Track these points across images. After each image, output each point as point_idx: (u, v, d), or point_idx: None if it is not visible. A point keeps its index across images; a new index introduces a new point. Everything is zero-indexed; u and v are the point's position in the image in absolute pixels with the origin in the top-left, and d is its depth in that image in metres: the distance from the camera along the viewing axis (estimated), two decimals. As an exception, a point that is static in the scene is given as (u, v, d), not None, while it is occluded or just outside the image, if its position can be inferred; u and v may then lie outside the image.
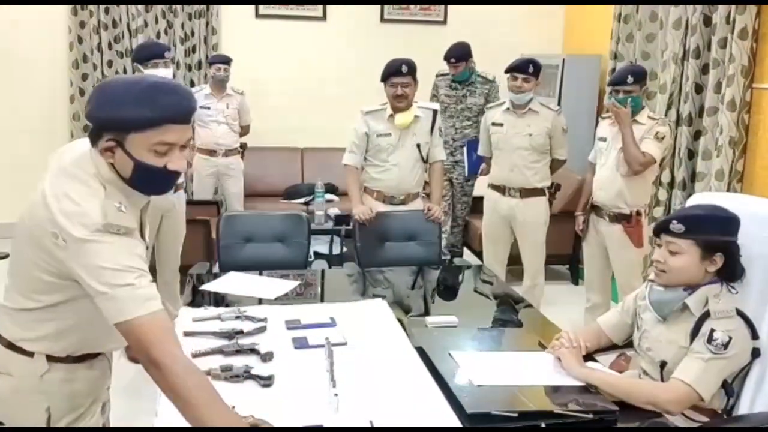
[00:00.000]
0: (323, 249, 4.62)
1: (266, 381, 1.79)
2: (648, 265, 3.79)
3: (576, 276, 4.90)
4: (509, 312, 2.61)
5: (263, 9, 5.75)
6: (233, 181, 5.20)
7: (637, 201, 3.44)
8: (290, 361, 1.94)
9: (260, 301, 2.44)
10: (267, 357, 1.93)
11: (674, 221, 1.84)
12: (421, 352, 1.97)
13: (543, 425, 1.58)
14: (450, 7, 5.98)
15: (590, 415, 1.62)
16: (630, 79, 3.37)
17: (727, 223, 1.80)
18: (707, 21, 4.20)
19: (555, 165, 3.85)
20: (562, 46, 6.11)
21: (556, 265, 5.01)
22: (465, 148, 4.76)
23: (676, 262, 1.83)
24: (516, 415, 1.60)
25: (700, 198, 2.12)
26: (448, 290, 3.02)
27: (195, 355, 1.92)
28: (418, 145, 3.58)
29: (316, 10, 5.81)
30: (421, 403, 1.68)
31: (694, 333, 1.76)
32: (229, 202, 5.20)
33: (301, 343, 2.05)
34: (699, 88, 4.30)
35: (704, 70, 4.26)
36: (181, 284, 3.65)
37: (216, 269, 3.12)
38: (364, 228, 3.42)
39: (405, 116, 3.53)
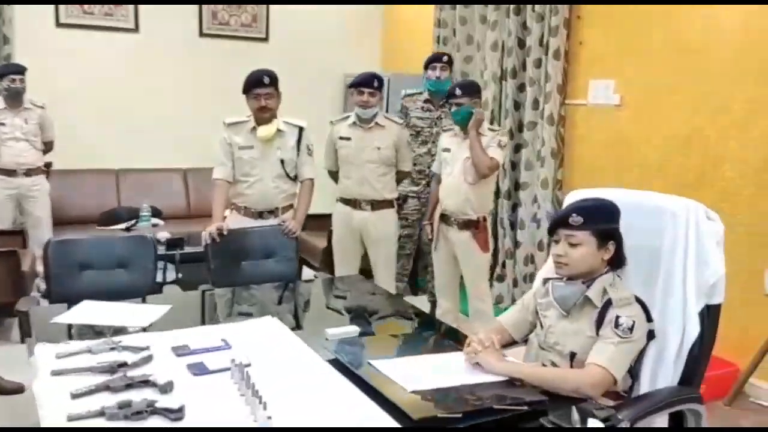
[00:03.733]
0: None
1: (177, 414, 1.56)
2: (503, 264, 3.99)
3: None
4: (402, 319, 2.57)
5: (65, 17, 5.20)
6: (39, 204, 4.62)
7: (482, 207, 3.61)
8: (193, 389, 1.71)
9: (125, 330, 2.14)
10: (167, 388, 1.69)
11: (573, 214, 1.93)
12: (336, 364, 1.86)
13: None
14: (272, 24, 5.90)
15: (525, 407, 1.63)
16: (458, 92, 3.54)
17: (615, 212, 1.94)
18: (521, 43, 4.59)
19: (400, 177, 3.93)
20: (380, 65, 6.29)
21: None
22: None
23: (577, 254, 1.92)
24: (460, 415, 1.56)
25: (576, 195, 2.24)
26: (322, 303, 2.89)
27: (76, 396, 1.63)
28: (282, 161, 3.47)
29: (128, 20, 5.38)
30: (360, 417, 1.57)
31: (600, 321, 1.86)
32: (35, 228, 4.58)
33: (199, 370, 1.82)
34: (517, 105, 4.66)
35: (521, 88, 4.63)
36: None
37: (45, 302, 2.73)
38: (217, 247, 3.19)
39: (267, 129, 3.42)
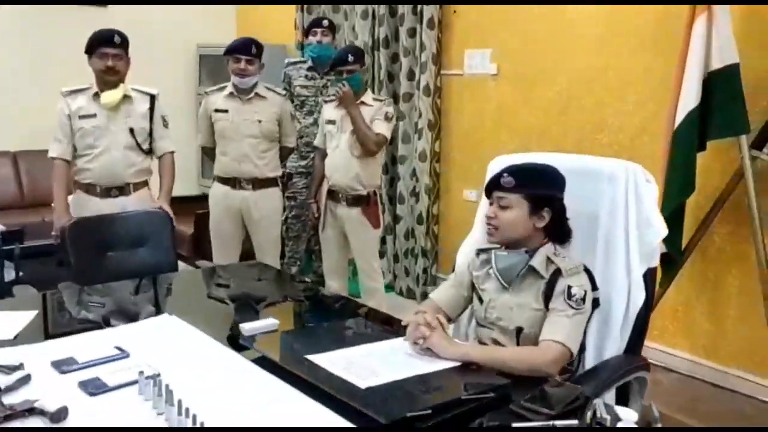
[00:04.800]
0: (-3, 275, 3.63)
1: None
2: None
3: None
4: (319, 307, 2.32)
5: None
6: None
7: (371, 181, 3.43)
8: (94, 414, 1.36)
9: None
10: (60, 415, 1.33)
11: (505, 174, 1.80)
12: (265, 364, 1.58)
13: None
14: (111, -13, 5.27)
15: (491, 394, 1.47)
16: (350, 58, 3.34)
17: (554, 177, 1.82)
18: (393, 12, 4.43)
19: (284, 153, 3.64)
20: (235, 35, 5.86)
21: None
22: None
23: (506, 217, 1.79)
24: (430, 411, 1.36)
25: (502, 160, 2.11)
26: (221, 295, 2.52)
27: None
28: (132, 130, 3.07)
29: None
30: (312, 422, 1.32)
31: (548, 293, 1.74)
32: None
33: (96, 387, 1.46)
34: (391, 76, 4.51)
35: (394, 58, 4.48)
36: None
37: None
38: (77, 238, 2.74)
39: (113, 94, 3.03)
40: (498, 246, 1.85)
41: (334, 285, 3.56)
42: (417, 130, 4.31)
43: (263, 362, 1.60)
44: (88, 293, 2.24)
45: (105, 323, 1.91)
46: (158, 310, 1.93)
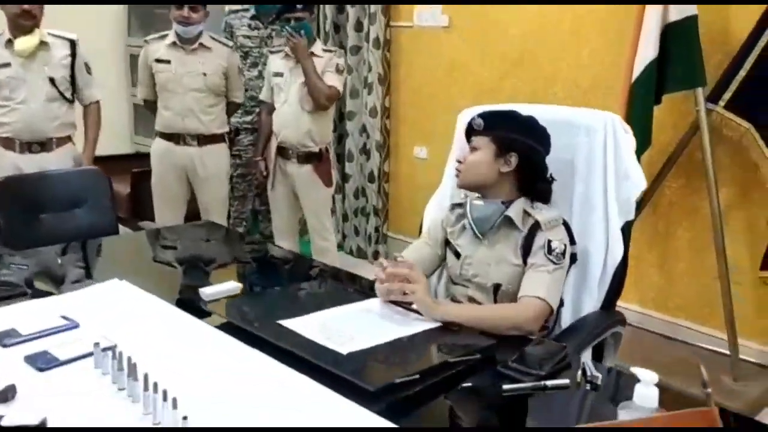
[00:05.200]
0: None
1: (38, 429, 1.09)
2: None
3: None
4: (277, 268, 2.19)
5: None
6: None
7: (323, 137, 3.29)
8: (47, 392, 1.22)
9: None
10: (8, 395, 1.18)
11: (476, 117, 1.74)
12: (232, 331, 1.46)
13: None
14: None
15: (478, 355, 1.40)
16: (299, 6, 3.16)
17: (525, 123, 1.74)
18: (338, -41, 4.22)
19: (231, 108, 3.44)
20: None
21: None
22: None
23: (471, 158, 1.74)
24: (418, 376, 1.28)
25: (470, 112, 2.01)
26: (170, 257, 2.35)
27: None
28: (52, 80, 2.88)
29: None
30: (301, 397, 1.21)
31: (527, 247, 1.67)
32: None
33: (46, 362, 1.31)
34: (337, 27, 4.33)
35: (340, 9, 4.29)
36: None
37: None
38: (4, 200, 2.52)
39: (27, 41, 2.83)
40: (475, 196, 1.77)
41: (285, 245, 3.42)
42: (366, 85, 4.16)
43: (228, 328, 1.48)
44: (22, 258, 2.04)
45: (46, 291, 1.74)
46: (104, 276, 1.76)
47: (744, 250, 2.97)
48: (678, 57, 2.79)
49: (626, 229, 1.77)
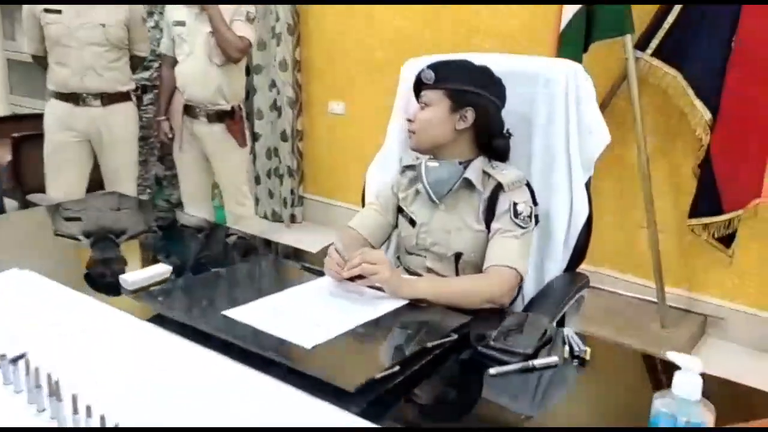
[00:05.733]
0: None
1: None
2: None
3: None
4: (205, 242, 1.94)
5: None
6: None
7: (236, 93, 3.02)
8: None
9: None
10: None
11: (425, 69, 1.56)
12: (164, 322, 1.24)
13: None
14: None
15: (455, 336, 1.26)
16: None
17: (481, 73, 1.58)
18: None
19: (135, 63, 3.08)
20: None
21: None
22: None
23: (423, 115, 1.56)
24: (398, 368, 1.12)
25: (416, 62, 1.83)
26: (72, 233, 2.03)
27: None
28: None
29: None
30: (259, 397, 1.02)
31: (489, 211, 1.53)
32: None
33: (-65, 385, 1.05)
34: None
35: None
36: None
37: None
38: None
39: None
40: (428, 157, 1.60)
41: (197, 213, 3.13)
42: (275, 35, 3.86)
43: (162, 322, 1.25)
44: None
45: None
46: (-1, 266, 1.47)
47: (668, 198, 2.99)
48: (606, 3, 2.71)
49: (588, 186, 1.67)
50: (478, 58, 1.62)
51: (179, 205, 3.59)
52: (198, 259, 1.74)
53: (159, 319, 1.27)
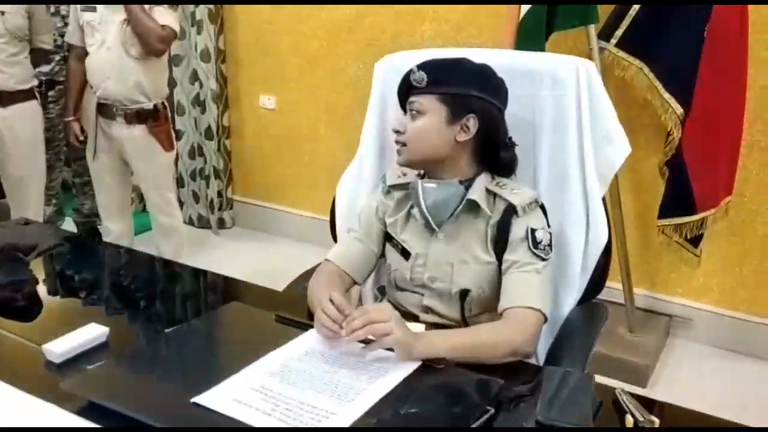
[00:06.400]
0: None
1: None
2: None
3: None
4: (150, 286, 1.58)
5: None
6: None
7: (158, 90, 2.64)
8: None
9: None
10: None
11: (415, 69, 1.29)
12: (105, 414, 0.92)
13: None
14: None
15: (492, 411, 1.00)
16: None
17: (482, 74, 1.33)
18: None
19: (38, 57, 2.65)
20: None
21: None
22: None
23: (417, 125, 1.30)
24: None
25: (392, 58, 1.55)
26: None
27: None
28: None
29: None
30: None
31: (499, 238, 1.28)
32: None
33: None
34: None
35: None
36: None
37: None
38: None
39: None
40: (419, 174, 1.34)
41: (115, 228, 2.76)
42: (195, 22, 3.46)
43: (97, 414, 0.93)
44: None
45: None
46: None
47: (628, 196, 2.86)
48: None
49: (605, 202, 1.45)
50: (467, 55, 1.36)
51: (93, 215, 3.16)
52: (142, 310, 1.40)
53: (94, 412, 0.95)
